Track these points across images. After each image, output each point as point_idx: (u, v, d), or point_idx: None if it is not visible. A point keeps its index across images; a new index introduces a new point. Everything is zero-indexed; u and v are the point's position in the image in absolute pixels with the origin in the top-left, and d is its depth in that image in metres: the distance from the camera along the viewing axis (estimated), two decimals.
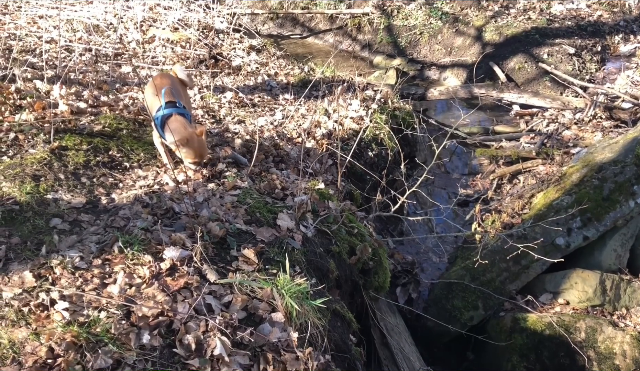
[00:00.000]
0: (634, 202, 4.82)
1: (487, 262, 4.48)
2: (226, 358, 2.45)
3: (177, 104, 3.71)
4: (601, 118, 7.32)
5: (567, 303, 4.66)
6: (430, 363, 4.41)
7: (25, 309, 2.39)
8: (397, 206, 4.59)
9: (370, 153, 5.55)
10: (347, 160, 4.58)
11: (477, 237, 4.52)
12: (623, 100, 7.55)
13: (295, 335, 2.74)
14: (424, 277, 5.20)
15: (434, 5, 11.59)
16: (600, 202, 4.81)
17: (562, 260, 4.47)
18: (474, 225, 4.58)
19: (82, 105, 4.55)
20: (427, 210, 5.58)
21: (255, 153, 4.13)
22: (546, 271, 4.80)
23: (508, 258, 4.54)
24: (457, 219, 5.92)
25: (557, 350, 4.30)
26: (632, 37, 10.66)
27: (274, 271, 2.98)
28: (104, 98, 4.89)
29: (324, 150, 4.87)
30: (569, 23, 10.43)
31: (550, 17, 10.60)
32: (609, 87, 8.26)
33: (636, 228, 4.98)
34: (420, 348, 4.56)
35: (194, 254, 2.83)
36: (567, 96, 8.46)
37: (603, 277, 4.66)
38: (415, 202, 5.73)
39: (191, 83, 4.34)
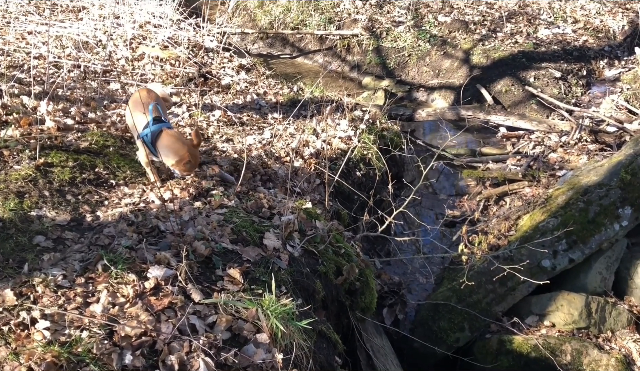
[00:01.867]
0: (619, 225, 4.86)
1: (473, 283, 4.48)
2: None
3: (163, 119, 3.71)
4: (587, 141, 7.40)
5: (553, 325, 4.67)
6: None
7: (5, 328, 2.34)
8: (384, 226, 4.59)
9: (358, 173, 5.56)
10: (335, 180, 4.58)
11: (464, 258, 4.52)
12: (608, 124, 7.65)
13: (280, 357, 2.71)
14: (411, 297, 5.20)
15: (423, 28, 11.72)
16: (586, 224, 4.84)
17: (548, 282, 4.49)
18: (461, 246, 4.59)
19: (69, 121, 4.53)
20: (414, 231, 5.59)
21: (243, 171, 4.12)
22: (532, 293, 4.82)
23: (494, 279, 4.55)
24: (444, 240, 5.93)
25: None
26: (616, 62, 10.84)
27: (260, 291, 2.96)
28: (91, 115, 4.87)
29: (312, 169, 4.88)
30: (555, 47, 10.60)
31: (537, 41, 10.76)
32: (594, 111, 8.37)
33: (621, 251, 5.03)
34: (407, 370, 4.53)
35: (178, 273, 2.80)
36: (553, 119, 8.56)
37: (589, 300, 4.68)
38: (402, 222, 5.74)
39: (170, 101, 4.34)
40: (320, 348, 3.36)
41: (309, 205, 4.11)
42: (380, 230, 4.52)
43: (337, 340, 3.53)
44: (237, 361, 2.59)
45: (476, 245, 4.98)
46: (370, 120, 6.61)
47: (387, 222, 4.54)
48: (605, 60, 10.76)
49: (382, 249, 5.73)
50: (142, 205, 3.47)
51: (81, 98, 5.32)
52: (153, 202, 3.55)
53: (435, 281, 5.42)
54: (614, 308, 4.74)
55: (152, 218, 3.25)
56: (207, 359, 2.46)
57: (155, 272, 2.76)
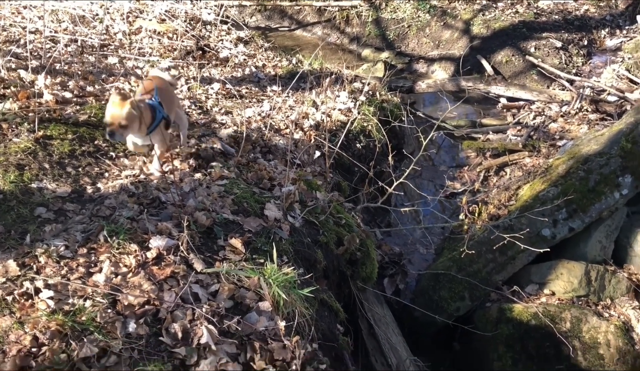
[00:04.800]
0: (619, 194, 4.86)
1: (473, 252, 4.50)
2: (213, 347, 2.45)
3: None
4: (587, 111, 7.37)
5: (553, 293, 4.70)
6: (417, 354, 4.42)
7: (9, 298, 2.36)
8: (384, 197, 4.60)
9: (358, 145, 5.55)
10: (335, 152, 4.57)
11: (464, 228, 4.54)
12: (609, 94, 7.61)
13: (282, 324, 2.74)
14: (412, 268, 5.23)
15: None
16: (586, 193, 4.85)
17: (548, 250, 4.50)
18: (461, 216, 4.61)
19: (68, 95, 4.50)
20: (414, 202, 5.59)
21: (243, 143, 4.11)
22: (532, 262, 4.84)
23: (494, 249, 4.56)
24: (444, 211, 5.95)
25: (542, 340, 4.33)
26: (617, 31, 10.73)
27: (261, 261, 2.97)
28: (89, 88, 4.84)
29: (312, 141, 4.87)
30: (556, 17, 10.49)
31: (538, 11, 10.65)
32: (595, 81, 8.32)
33: (621, 219, 5.04)
34: (407, 339, 4.57)
35: (180, 243, 2.81)
36: (554, 89, 8.52)
37: (588, 268, 4.70)
38: (402, 194, 5.75)
39: (176, 84, 4.21)
40: (322, 316, 3.39)
41: (309, 176, 4.10)
42: (380, 201, 4.53)
43: (338, 308, 3.56)
44: (240, 329, 2.61)
45: (476, 215, 5.00)
46: (370, 92, 6.57)
47: (387, 193, 4.55)
48: (607, 30, 10.65)
49: (383, 221, 5.75)
50: (142, 176, 3.47)
51: (79, 72, 5.28)
52: (153, 174, 3.55)
53: (436, 251, 5.44)
54: (613, 276, 4.76)
55: (153, 189, 3.25)
56: (210, 326, 2.49)
57: (157, 242, 2.77)
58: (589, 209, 4.82)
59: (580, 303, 4.65)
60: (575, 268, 4.70)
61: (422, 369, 4.37)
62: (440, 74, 10.11)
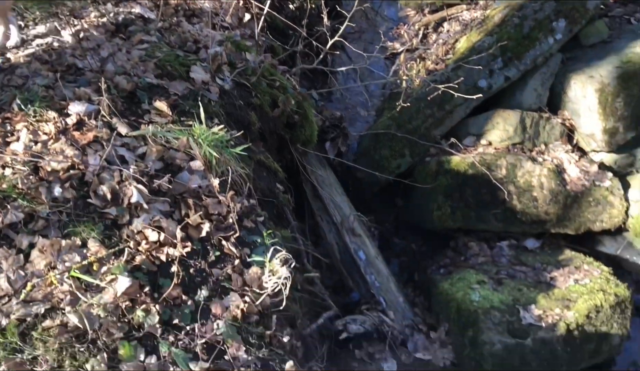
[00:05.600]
0: (553, 39, 4.87)
1: (409, 104, 4.50)
2: (144, 206, 2.45)
3: None
4: None
5: (490, 143, 4.81)
6: (361, 212, 4.54)
7: None
8: (321, 57, 4.50)
9: (291, 6, 5.32)
10: (266, 13, 4.37)
11: (403, 84, 4.53)
12: None
13: (216, 182, 2.75)
14: (353, 130, 5.24)
15: None
16: (521, 40, 4.83)
17: (481, 96, 4.55)
18: (400, 73, 4.59)
19: None
20: (353, 62, 5.49)
21: (161, 6, 3.87)
22: (470, 115, 4.90)
23: (429, 98, 4.54)
24: (384, 71, 5.88)
25: (479, 187, 4.49)
26: None
27: (190, 123, 2.91)
28: None
29: (241, 3, 4.62)
30: None
31: None
32: None
33: (555, 66, 5.08)
34: (352, 199, 4.67)
35: (101, 108, 2.71)
36: None
37: (523, 115, 4.80)
38: (339, 53, 5.61)
39: None
40: (261, 176, 3.42)
41: (238, 38, 3.94)
42: (316, 62, 4.44)
43: (277, 168, 3.59)
44: (172, 188, 2.61)
45: (414, 72, 4.98)
46: None
47: (323, 53, 4.45)
48: None
49: (323, 86, 5.67)
50: (55, 44, 3.27)
51: None
52: (67, 41, 3.33)
53: (376, 113, 5.46)
54: (547, 122, 4.89)
55: (68, 56, 3.08)
56: (140, 186, 2.48)
57: (76, 108, 2.67)
58: (524, 56, 4.83)
59: (515, 150, 4.79)
60: (511, 117, 4.80)
61: (365, 223, 4.53)
62: None
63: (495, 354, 3.55)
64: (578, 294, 3.88)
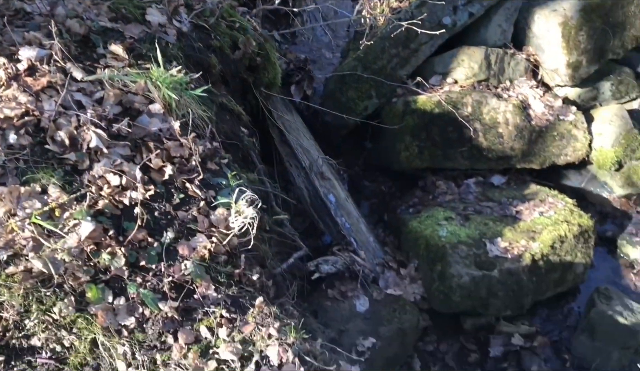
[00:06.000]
0: None
1: (372, 43, 4.46)
2: (105, 150, 2.41)
3: None
4: None
5: (456, 81, 4.82)
6: (331, 156, 4.54)
7: None
8: None
9: None
10: None
11: (367, 22, 4.48)
12: None
13: (177, 124, 2.71)
14: (318, 73, 5.20)
15: None
16: None
17: (444, 31, 4.52)
18: (364, 12, 4.53)
19: None
20: (316, 2, 5.40)
21: None
22: (435, 54, 4.88)
23: (397, 42, 4.53)
24: (349, 12, 5.79)
25: (445, 126, 4.52)
26: None
27: (147, 66, 2.84)
28: None
29: None
30: None
31: None
32: None
33: (519, 1, 5.06)
34: (320, 143, 4.67)
35: (54, 53, 2.62)
36: None
37: (488, 52, 4.80)
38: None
39: None
40: (224, 119, 3.38)
41: None
42: (277, 1, 4.34)
43: (240, 111, 3.55)
44: (132, 131, 2.57)
45: (378, 10, 4.91)
46: None
47: None
48: None
49: (287, 29, 5.57)
50: None
51: None
52: None
53: (342, 54, 5.40)
54: (512, 58, 4.91)
55: (15, 0, 2.95)
56: (99, 131, 2.43)
57: (27, 53, 2.57)
58: None
59: (481, 87, 4.82)
60: (476, 54, 4.80)
61: (334, 167, 4.54)
62: None
63: (463, 286, 3.65)
64: (543, 226, 3.99)
